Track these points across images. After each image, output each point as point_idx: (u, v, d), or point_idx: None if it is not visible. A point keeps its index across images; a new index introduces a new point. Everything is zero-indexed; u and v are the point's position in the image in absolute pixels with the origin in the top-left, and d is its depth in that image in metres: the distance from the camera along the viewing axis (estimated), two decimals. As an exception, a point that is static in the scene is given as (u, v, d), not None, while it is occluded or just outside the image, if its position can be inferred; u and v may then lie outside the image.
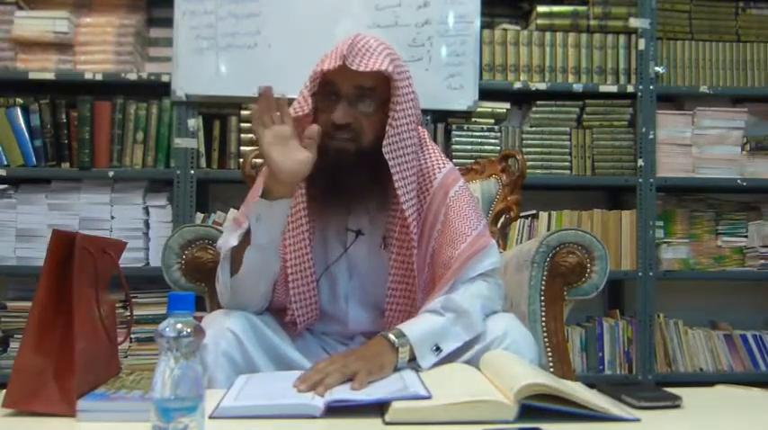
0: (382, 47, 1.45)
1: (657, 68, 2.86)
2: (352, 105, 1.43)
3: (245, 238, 1.41)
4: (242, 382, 1.22)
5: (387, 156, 1.42)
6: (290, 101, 1.41)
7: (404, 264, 1.48)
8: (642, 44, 2.85)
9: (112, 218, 2.70)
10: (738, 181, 2.91)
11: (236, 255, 1.42)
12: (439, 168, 1.55)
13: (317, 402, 1.09)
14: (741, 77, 2.95)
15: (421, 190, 1.52)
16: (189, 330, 0.86)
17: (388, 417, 1.05)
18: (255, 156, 1.99)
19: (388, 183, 1.46)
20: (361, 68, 1.39)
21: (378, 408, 1.08)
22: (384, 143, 1.42)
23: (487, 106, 2.82)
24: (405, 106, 1.44)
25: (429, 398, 1.08)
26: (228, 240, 1.44)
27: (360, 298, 1.54)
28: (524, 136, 2.86)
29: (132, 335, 2.63)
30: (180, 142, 2.70)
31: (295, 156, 1.35)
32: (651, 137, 2.85)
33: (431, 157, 1.56)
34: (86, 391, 1.10)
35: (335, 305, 1.55)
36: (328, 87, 1.44)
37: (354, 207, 1.51)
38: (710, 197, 3.01)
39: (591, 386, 1.22)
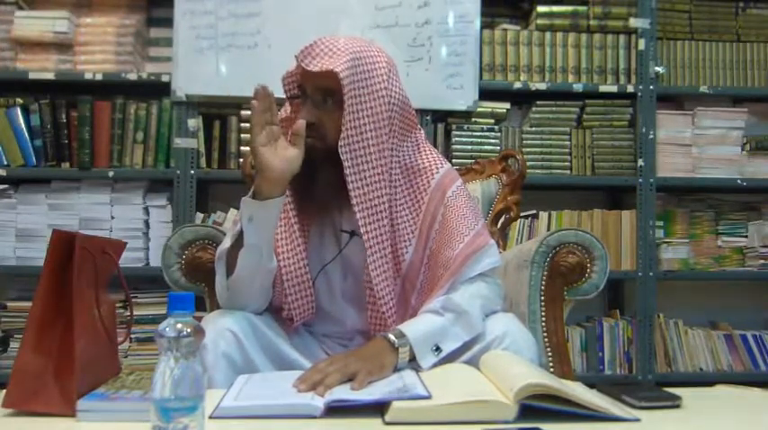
0: (349, 45, 1.44)
1: (657, 68, 2.86)
2: (317, 106, 1.45)
3: (240, 239, 1.41)
4: (242, 382, 1.22)
5: (342, 157, 1.42)
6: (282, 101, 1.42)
7: (382, 258, 1.48)
8: (642, 44, 2.85)
9: (112, 218, 2.70)
10: (738, 181, 2.91)
11: (233, 255, 1.43)
12: (437, 168, 1.55)
13: (317, 402, 1.09)
14: (741, 77, 2.95)
15: (418, 190, 1.53)
16: (189, 330, 0.86)
17: (388, 417, 1.05)
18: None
19: None
20: (315, 69, 1.40)
21: (378, 408, 1.08)
22: (340, 142, 1.43)
23: (487, 106, 2.82)
24: (368, 104, 1.44)
25: (429, 398, 1.08)
26: (224, 242, 1.44)
27: (355, 298, 1.54)
28: (524, 136, 2.86)
29: (132, 335, 2.63)
30: (180, 142, 2.70)
31: (284, 154, 1.37)
32: (651, 137, 2.85)
33: (428, 158, 1.56)
34: (86, 391, 1.10)
35: (333, 304, 1.55)
36: (301, 90, 1.47)
37: (344, 207, 1.50)
38: (710, 197, 3.01)
39: (591, 386, 1.22)
